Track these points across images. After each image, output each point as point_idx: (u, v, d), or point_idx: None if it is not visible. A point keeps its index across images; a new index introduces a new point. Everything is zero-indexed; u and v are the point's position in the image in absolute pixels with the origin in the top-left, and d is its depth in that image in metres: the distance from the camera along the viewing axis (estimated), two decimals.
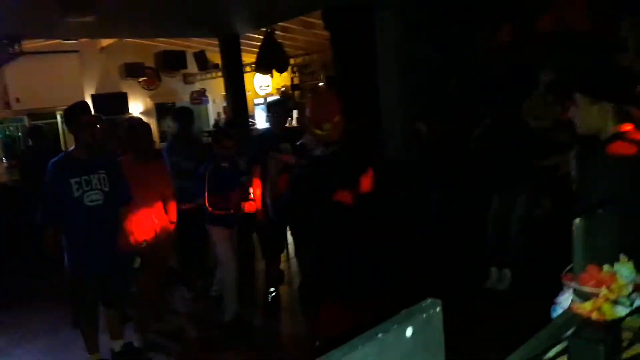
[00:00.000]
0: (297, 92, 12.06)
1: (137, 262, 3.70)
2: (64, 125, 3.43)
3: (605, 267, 1.20)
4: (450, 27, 5.92)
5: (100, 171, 3.33)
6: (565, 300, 1.17)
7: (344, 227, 2.68)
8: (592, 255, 1.18)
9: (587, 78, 2.20)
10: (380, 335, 0.71)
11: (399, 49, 6.02)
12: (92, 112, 3.60)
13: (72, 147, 3.41)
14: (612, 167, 1.99)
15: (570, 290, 1.17)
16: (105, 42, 10.67)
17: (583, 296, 1.14)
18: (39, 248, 3.48)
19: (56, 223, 3.33)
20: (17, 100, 10.03)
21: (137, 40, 10.56)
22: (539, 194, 4.37)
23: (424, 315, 0.77)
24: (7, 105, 10.12)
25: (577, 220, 1.16)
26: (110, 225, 3.38)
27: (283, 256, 4.99)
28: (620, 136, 2.03)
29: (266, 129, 4.89)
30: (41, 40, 9.00)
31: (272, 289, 4.61)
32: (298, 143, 3.30)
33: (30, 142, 6.48)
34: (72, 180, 3.23)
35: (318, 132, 2.67)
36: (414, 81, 5.85)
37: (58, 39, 8.74)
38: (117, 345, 3.60)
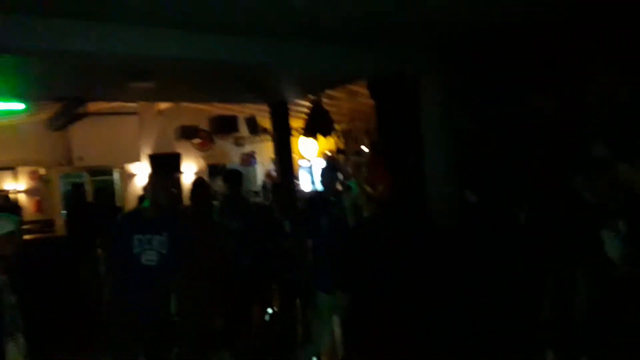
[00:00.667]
0: (341, 156, 12.28)
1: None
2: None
3: None
4: (494, 95, 5.99)
5: (164, 233, 3.45)
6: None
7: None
8: None
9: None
10: None
11: (442, 115, 6.14)
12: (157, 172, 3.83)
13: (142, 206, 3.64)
14: None
15: None
16: (163, 105, 11.35)
17: None
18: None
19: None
20: (80, 158, 10.66)
21: (192, 105, 11.15)
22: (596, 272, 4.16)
23: None
24: (70, 162, 10.77)
25: None
26: (160, 286, 3.47)
27: None
28: None
29: (316, 192, 4.98)
30: (104, 102, 9.69)
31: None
32: None
33: (72, 199, 6.93)
34: (135, 237, 3.39)
35: (370, 190, 2.66)
36: (458, 150, 5.90)
37: (119, 101, 9.40)
38: None
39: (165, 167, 11.25)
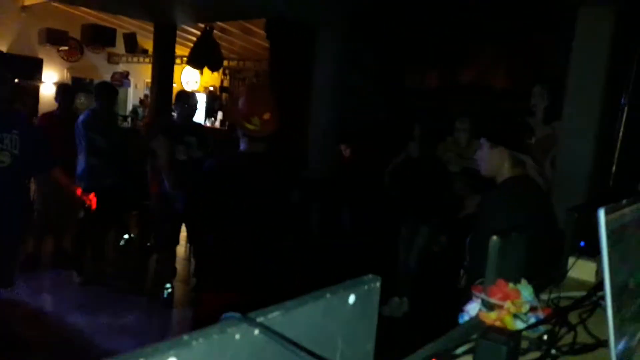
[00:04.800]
0: (225, 95, 11.93)
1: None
2: None
3: (511, 284, 1.33)
4: (385, 62, 6.22)
5: (14, 132, 3.10)
6: (473, 309, 1.28)
7: (251, 226, 2.58)
8: (501, 271, 1.31)
9: (491, 126, 2.46)
10: (328, 295, 0.75)
11: (334, 72, 6.21)
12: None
13: None
14: (505, 205, 2.22)
15: (479, 300, 1.28)
16: (29, 1, 9.99)
17: (489, 306, 1.25)
18: None
19: None
20: None
21: (65, 7, 9.98)
22: (438, 230, 4.64)
23: (365, 287, 0.82)
24: None
25: (494, 238, 1.28)
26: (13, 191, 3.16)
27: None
28: (514, 180, 2.27)
29: (171, 120, 4.81)
30: None
31: (168, 285, 4.50)
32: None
33: None
34: None
35: (247, 125, 2.54)
36: (345, 106, 6.04)
37: None
38: None
39: (22, 71, 10.01)
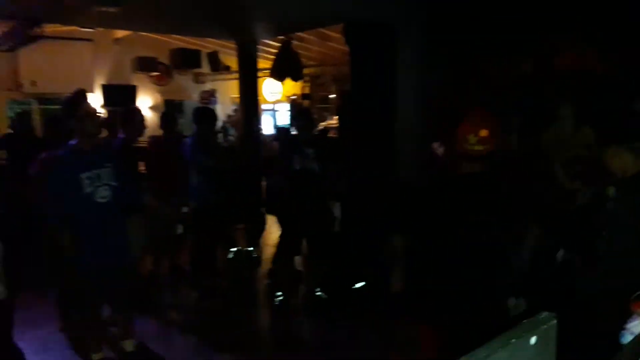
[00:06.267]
0: (306, 102, 12.12)
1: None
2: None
3: None
4: (471, 54, 6.02)
5: (107, 164, 3.24)
6: (635, 326, 1.21)
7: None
8: None
9: (618, 124, 2.32)
10: (513, 341, 0.75)
11: (419, 71, 6.10)
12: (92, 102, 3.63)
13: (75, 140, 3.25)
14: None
15: None
16: (120, 33, 10.70)
17: None
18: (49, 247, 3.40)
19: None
20: (33, 83, 9.98)
21: (152, 35, 10.60)
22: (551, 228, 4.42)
23: (544, 327, 0.81)
24: (19, 87, 10.07)
25: None
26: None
27: None
28: None
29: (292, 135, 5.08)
30: (57, 25, 9.01)
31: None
32: None
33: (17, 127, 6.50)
34: (83, 176, 3.12)
35: (465, 145, 2.44)
36: (433, 104, 5.92)
37: (75, 26, 8.77)
38: (129, 345, 3.56)
39: (118, 99, 10.73)
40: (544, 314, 0.84)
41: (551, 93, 5.23)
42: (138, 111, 5.01)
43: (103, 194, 3.17)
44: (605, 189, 2.92)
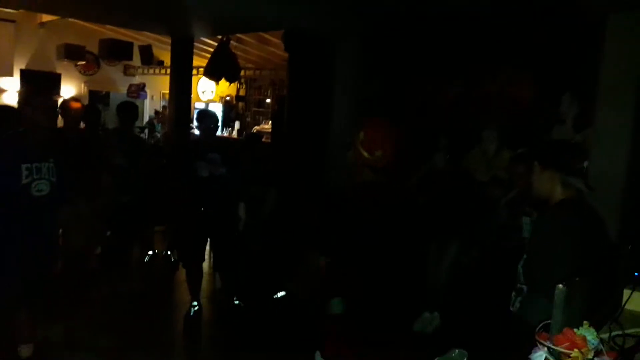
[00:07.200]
0: (241, 104, 11.96)
1: None
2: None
3: (575, 330, 1.29)
4: (406, 72, 6.17)
5: (51, 160, 3.13)
6: (538, 357, 1.25)
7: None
8: (567, 318, 1.27)
9: (543, 147, 2.45)
10: None
11: (354, 84, 6.19)
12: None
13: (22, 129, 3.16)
14: (559, 232, 2.19)
15: (545, 349, 1.25)
16: (47, 17, 10.10)
17: (556, 356, 1.22)
18: None
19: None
20: None
21: (81, 22, 10.08)
22: (468, 243, 4.58)
23: None
24: None
25: (559, 286, 1.25)
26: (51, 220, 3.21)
27: None
28: (566, 203, 2.24)
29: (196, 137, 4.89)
30: None
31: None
32: None
33: None
34: (23, 167, 2.99)
35: (367, 155, 2.66)
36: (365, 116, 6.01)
37: None
38: (26, 351, 3.31)
39: (41, 86, 10.12)
40: (456, 352, 0.83)
41: (478, 116, 5.45)
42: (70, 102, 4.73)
43: (40, 188, 3.05)
44: (522, 210, 3.07)
